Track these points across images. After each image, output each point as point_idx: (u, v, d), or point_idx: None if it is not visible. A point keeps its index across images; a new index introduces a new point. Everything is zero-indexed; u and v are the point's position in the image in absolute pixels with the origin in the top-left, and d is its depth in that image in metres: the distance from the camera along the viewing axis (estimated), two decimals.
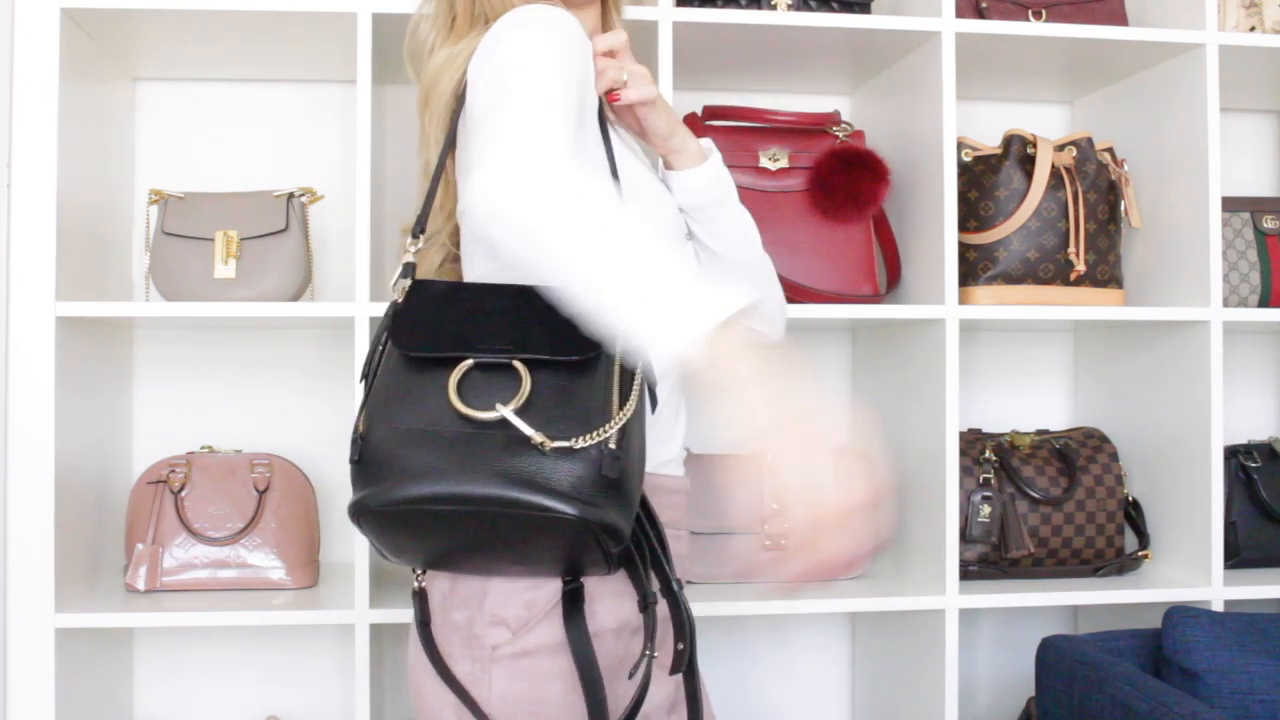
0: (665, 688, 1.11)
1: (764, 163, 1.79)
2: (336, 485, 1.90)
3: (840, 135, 1.82)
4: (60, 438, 1.58)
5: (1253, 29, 1.82)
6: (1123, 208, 1.89)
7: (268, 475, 1.74)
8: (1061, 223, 1.81)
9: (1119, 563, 1.86)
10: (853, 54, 1.86)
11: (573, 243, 0.87)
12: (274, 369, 1.95)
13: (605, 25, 1.26)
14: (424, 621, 1.07)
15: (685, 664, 1.06)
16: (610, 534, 0.93)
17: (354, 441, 0.97)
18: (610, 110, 1.18)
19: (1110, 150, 1.90)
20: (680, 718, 1.12)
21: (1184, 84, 1.83)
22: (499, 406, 0.92)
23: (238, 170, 1.92)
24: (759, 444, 0.83)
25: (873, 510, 0.83)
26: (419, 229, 1.10)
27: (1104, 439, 1.93)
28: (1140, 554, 1.88)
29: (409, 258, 1.07)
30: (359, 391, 1.05)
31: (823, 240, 1.79)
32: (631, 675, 1.03)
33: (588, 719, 1.00)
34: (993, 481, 1.83)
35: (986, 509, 1.80)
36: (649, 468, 1.10)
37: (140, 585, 1.66)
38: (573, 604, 1.03)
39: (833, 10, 1.73)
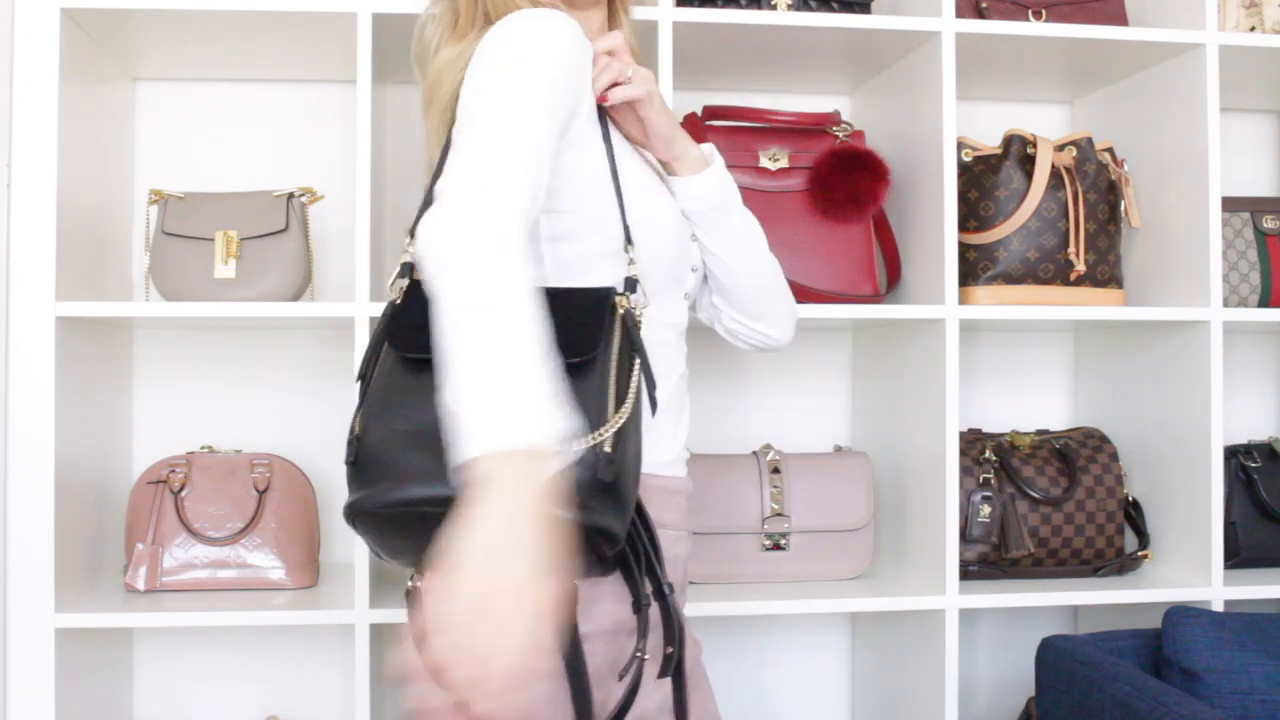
0: (662, 691, 1.10)
1: (764, 163, 1.79)
2: (337, 485, 1.90)
3: (840, 135, 1.82)
4: (60, 438, 1.58)
5: (1253, 29, 1.82)
6: (1123, 208, 1.89)
7: (268, 475, 1.74)
8: (1061, 223, 1.81)
9: (1119, 563, 1.86)
10: (853, 54, 1.86)
11: (460, 316, 0.86)
12: (274, 369, 1.95)
13: (613, 25, 1.26)
14: None
15: (674, 668, 1.06)
16: (604, 537, 0.93)
17: (349, 443, 0.97)
18: (612, 116, 1.18)
19: (1110, 150, 1.90)
20: None
21: (1184, 84, 1.83)
22: None
23: (238, 170, 1.92)
24: (433, 573, 0.80)
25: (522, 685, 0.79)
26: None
27: (1104, 439, 1.93)
28: (1140, 554, 1.88)
29: (408, 257, 1.07)
30: (356, 392, 1.05)
31: (823, 240, 1.79)
32: (622, 677, 1.03)
33: None
34: (993, 481, 1.83)
35: (986, 509, 1.81)
36: (649, 468, 1.10)
37: (140, 585, 1.66)
38: None
39: (833, 10, 1.73)
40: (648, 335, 1.12)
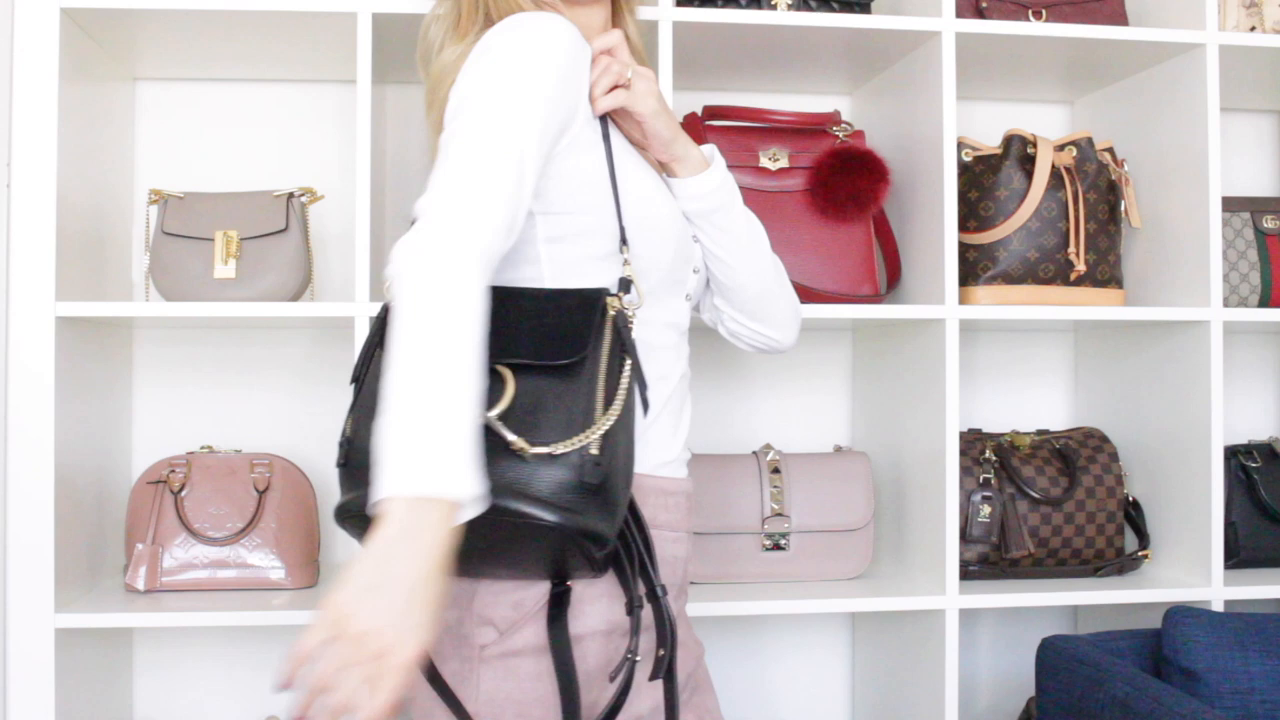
0: (656, 694, 1.10)
1: (764, 163, 1.79)
2: (336, 485, 1.89)
3: (840, 135, 1.82)
4: (60, 438, 1.58)
5: (1253, 29, 1.82)
6: (1123, 208, 1.89)
7: (268, 475, 1.74)
8: (1061, 223, 1.81)
9: (1119, 563, 1.86)
10: (853, 54, 1.86)
11: (400, 352, 0.87)
12: (274, 369, 1.95)
13: (616, 22, 1.25)
14: None
15: (665, 670, 1.06)
16: (592, 540, 0.93)
17: (340, 445, 0.97)
18: (613, 117, 1.17)
19: (1110, 150, 1.90)
20: None
21: (1184, 84, 1.83)
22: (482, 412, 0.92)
23: (238, 170, 1.92)
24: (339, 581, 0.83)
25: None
26: None
27: (1104, 439, 1.93)
28: (1140, 554, 1.88)
29: None
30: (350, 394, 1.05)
31: (823, 240, 1.79)
32: (613, 678, 1.03)
33: None
34: (993, 481, 1.83)
35: (986, 509, 1.80)
36: (646, 469, 1.10)
37: (140, 585, 1.66)
38: (557, 607, 1.03)
39: (833, 10, 1.73)
40: (648, 336, 1.12)
